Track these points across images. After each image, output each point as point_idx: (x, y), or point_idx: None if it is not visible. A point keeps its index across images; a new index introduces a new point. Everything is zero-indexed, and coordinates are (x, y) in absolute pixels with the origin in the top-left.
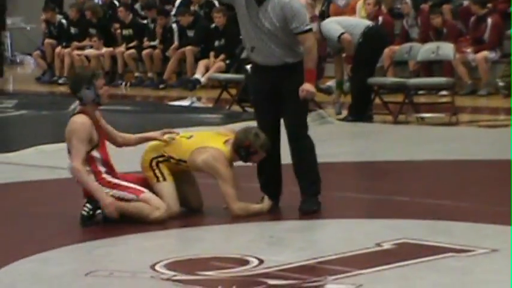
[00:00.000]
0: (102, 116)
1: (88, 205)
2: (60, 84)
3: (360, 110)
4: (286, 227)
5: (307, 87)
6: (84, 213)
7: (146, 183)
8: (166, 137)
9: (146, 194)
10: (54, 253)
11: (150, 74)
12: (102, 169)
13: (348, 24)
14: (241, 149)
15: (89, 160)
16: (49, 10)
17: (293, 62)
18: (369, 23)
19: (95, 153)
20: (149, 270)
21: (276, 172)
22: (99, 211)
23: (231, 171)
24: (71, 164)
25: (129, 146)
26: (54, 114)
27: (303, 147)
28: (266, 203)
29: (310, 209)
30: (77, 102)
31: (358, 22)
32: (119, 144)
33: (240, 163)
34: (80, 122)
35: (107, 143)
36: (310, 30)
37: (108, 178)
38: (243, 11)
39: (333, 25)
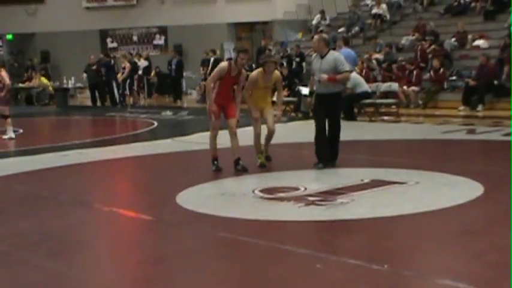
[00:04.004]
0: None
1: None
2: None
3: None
4: (318, 171)
5: (325, 76)
6: (214, 168)
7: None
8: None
9: (212, 122)
10: (206, 185)
11: None
12: (215, 91)
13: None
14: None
15: (215, 83)
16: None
17: (336, 91)
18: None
19: (217, 82)
20: (251, 193)
21: (325, 143)
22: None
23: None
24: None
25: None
26: (206, 118)
27: (337, 133)
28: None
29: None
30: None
31: None
32: None
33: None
34: (222, 64)
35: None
36: (347, 70)
37: (213, 98)
38: (317, 65)
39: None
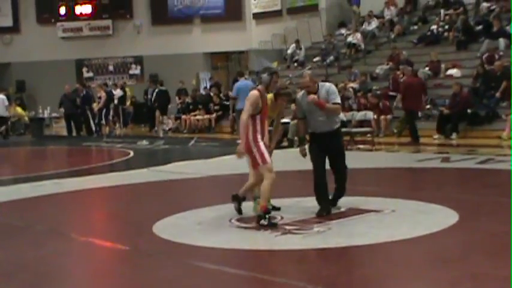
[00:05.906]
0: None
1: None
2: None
3: None
4: (293, 200)
5: (315, 98)
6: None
7: None
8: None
9: (268, 165)
10: (182, 214)
11: None
12: (258, 128)
13: None
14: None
15: (253, 119)
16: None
17: (335, 128)
18: None
19: (257, 117)
20: (228, 222)
21: (326, 189)
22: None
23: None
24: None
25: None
26: (182, 147)
27: (345, 172)
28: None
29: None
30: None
31: None
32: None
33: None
34: (252, 93)
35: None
36: (339, 102)
37: (258, 137)
38: (309, 106)
39: None
